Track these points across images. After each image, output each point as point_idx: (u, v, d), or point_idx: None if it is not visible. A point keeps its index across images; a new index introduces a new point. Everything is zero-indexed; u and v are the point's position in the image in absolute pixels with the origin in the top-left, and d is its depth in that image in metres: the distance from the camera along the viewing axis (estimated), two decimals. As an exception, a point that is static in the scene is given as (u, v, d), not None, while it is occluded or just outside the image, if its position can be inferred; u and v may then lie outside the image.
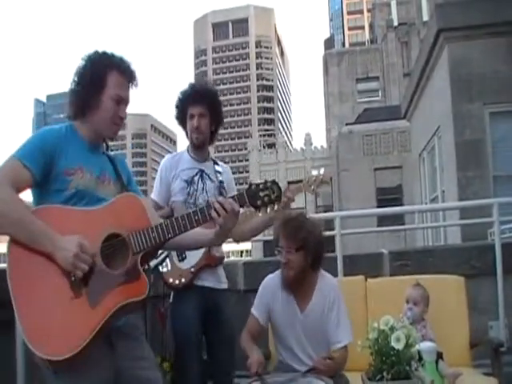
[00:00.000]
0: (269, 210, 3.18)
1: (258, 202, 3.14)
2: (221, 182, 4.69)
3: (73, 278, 2.83)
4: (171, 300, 4.56)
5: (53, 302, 2.84)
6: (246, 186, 3.20)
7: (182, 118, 4.72)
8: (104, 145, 3.39)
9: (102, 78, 3.16)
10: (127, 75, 3.25)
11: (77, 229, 2.90)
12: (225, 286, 4.72)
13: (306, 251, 4.15)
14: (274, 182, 3.20)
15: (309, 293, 4.29)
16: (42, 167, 2.98)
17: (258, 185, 3.16)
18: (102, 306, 2.83)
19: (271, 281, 4.42)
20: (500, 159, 11.68)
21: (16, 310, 2.78)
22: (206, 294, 4.51)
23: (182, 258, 4.52)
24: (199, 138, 4.65)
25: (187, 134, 4.72)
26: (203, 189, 4.60)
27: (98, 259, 2.89)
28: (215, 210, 3.10)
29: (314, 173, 3.94)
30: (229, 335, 4.58)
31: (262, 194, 3.14)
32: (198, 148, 4.70)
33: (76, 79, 3.20)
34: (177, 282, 4.49)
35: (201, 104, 4.61)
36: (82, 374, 2.85)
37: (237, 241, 4.70)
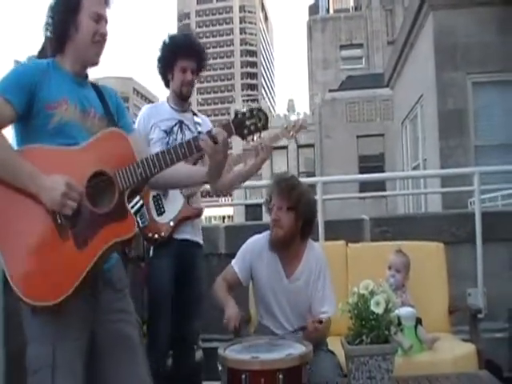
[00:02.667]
0: (255, 138, 3.11)
1: (245, 131, 3.05)
2: (199, 132, 4.61)
3: (59, 221, 2.78)
4: (151, 255, 4.57)
5: (39, 245, 2.79)
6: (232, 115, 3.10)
7: (167, 66, 4.66)
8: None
9: (76, 1, 3.04)
10: None
11: (60, 168, 2.83)
12: (201, 241, 4.76)
13: (297, 212, 4.13)
14: (260, 109, 3.11)
15: (296, 260, 4.26)
16: (24, 100, 2.88)
17: (244, 113, 3.06)
18: (89, 248, 2.78)
19: (258, 241, 4.37)
20: (482, 129, 11.75)
21: (1, 253, 2.74)
22: (182, 247, 4.55)
23: (160, 212, 4.52)
24: (190, 90, 4.69)
25: (168, 83, 4.70)
26: (182, 139, 4.49)
27: (83, 199, 2.82)
28: (202, 140, 3.00)
29: (293, 118, 3.80)
30: (198, 295, 4.65)
31: (248, 122, 3.05)
32: (183, 100, 4.71)
33: (50, 13, 3.09)
34: (156, 236, 4.49)
35: (194, 59, 4.61)
36: (61, 317, 2.81)
37: (218, 193, 4.71)
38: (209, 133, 3.03)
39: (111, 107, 3.24)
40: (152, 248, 4.56)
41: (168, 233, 4.49)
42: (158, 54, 4.69)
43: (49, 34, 3.13)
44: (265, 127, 3.11)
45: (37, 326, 2.87)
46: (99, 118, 3.15)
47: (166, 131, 4.56)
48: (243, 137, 3.08)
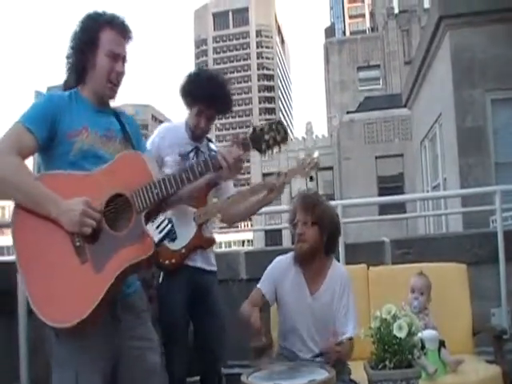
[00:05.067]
0: (275, 151, 3.12)
1: (263, 146, 3.09)
2: None
3: (77, 244, 2.81)
4: (160, 280, 4.49)
5: (58, 268, 2.82)
6: (250, 130, 3.14)
7: (186, 103, 4.54)
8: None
9: (95, 37, 3.10)
10: (120, 30, 3.16)
11: (79, 193, 2.87)
12: (214, 268, 4.68)
13: (322, 227, 4.16)
14: (278, 122, 3.14)
15: (320, 277, 4.25)
16: (46, 131, 2.96)
17: (261, 128, 3.09)
18: (107, 270, 2.80)
19: (283, 260, 4.37)
20: (501, 146, 11.69)
21: (23, 276, 2.79)
22: (195, 274, 4.47)
23: (172, 239, 4.47)
24: (202, 134, 4.61)
25: (189, 115, 4.57)
26: None
27: (102, 222, 2.86)
28: (218, 160, 3.07)
29: (307, 156, 3.78)
30: (219, 327, 4.57)
31: (266, 136, 3.08)
32: (195, 139, 4.60)
33: (70, 45, 3.16)
34: (167, 262, 4.43)
35: (213, 108, 4.48)
36: (84, 343, 2.85)
37: (230, 223, 4.72)
38: (221, 153, 3.11)
39: (130, 132, 3.30)
40: (162, 274, 4.48)
41: (180, 259, 4.43)
42: (182, 83, 4.53)
43: (70, 64, 3.21)
44: (284, 140, 3.12)
45: (61, 351, 2.91)
46: (120, 142, 3.21)
47: (181, 155, 4.49)
48: (261, 151, 3.11)
